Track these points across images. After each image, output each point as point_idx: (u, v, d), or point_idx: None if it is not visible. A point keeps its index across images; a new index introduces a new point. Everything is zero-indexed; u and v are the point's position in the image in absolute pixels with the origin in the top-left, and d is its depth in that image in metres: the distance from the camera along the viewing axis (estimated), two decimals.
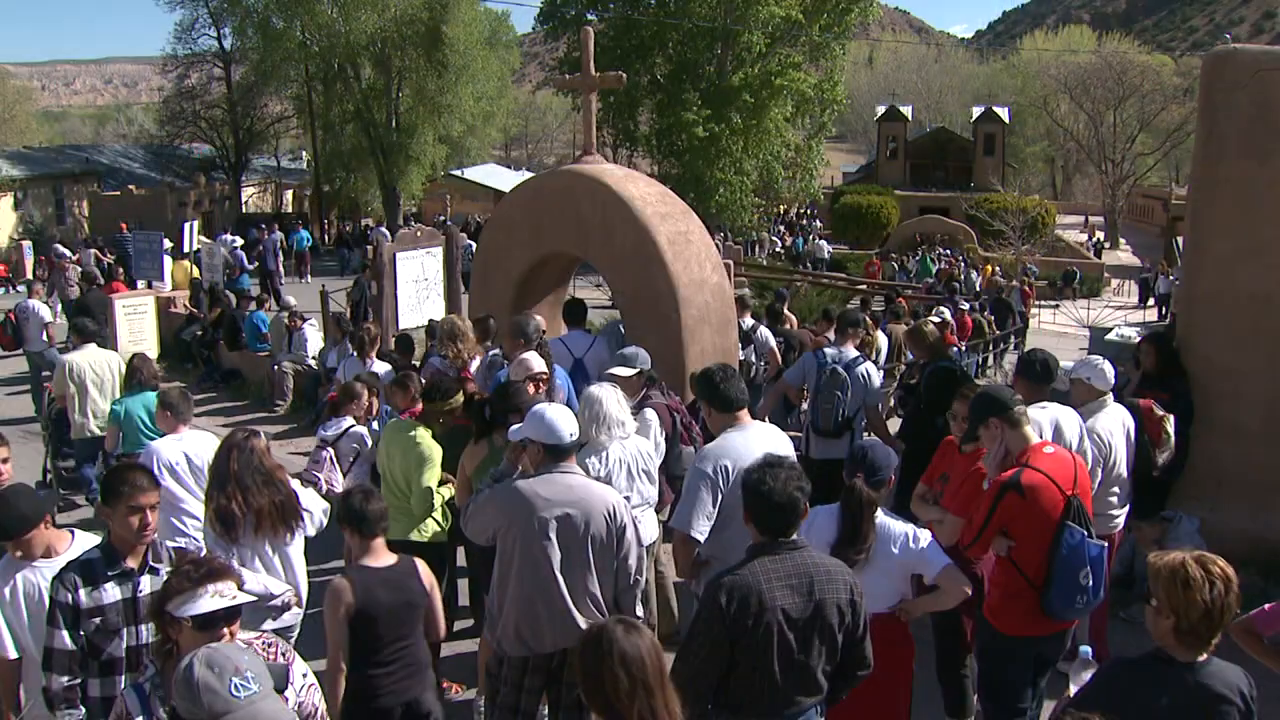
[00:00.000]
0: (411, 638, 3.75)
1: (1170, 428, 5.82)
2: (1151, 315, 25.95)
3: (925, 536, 3.68)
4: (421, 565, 3.89)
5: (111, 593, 3.27)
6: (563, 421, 3.80)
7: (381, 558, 3.75)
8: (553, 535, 3.70)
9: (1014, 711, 4.05)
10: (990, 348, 15.85)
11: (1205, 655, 2.65)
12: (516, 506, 3.73)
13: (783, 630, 2.95)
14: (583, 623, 3.76)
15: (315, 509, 4.50)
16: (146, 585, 3.33)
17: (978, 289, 22.50)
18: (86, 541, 3.63)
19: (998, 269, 26.51)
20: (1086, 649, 3.31)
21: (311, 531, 4.46)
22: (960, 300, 16.52)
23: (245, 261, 19.70)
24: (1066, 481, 3.82)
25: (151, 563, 3.36)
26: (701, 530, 3.96)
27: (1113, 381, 5.23)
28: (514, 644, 3.82)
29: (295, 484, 4.45)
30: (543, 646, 3.81)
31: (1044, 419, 4.52)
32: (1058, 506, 3.76)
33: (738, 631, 2.92)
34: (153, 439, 5.50)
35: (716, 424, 4.27)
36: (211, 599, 2.64)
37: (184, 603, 2.64)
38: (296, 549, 4.34)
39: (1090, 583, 3.72)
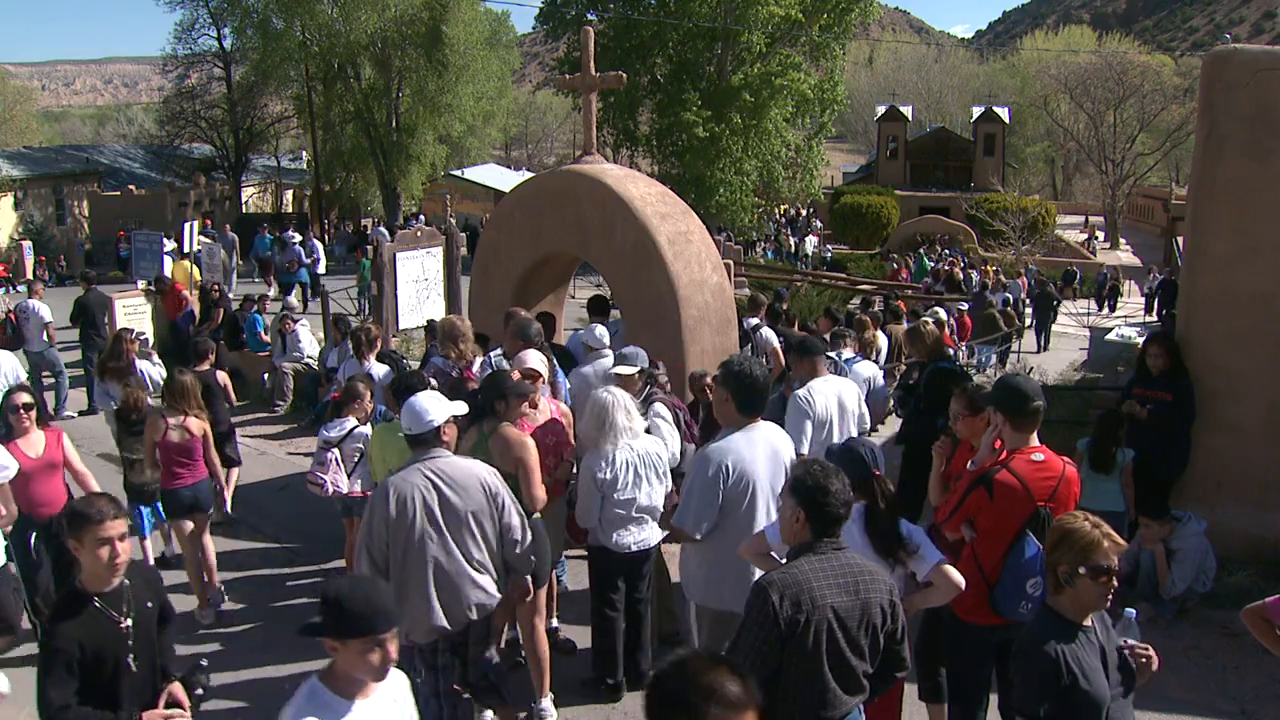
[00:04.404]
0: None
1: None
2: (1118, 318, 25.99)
3: (917, 532, 3.66)
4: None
5: None
6: (432, 408, 3.92)
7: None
8: (438, 517, 3.84)
9: (976, 698, 4.05)
10: (1017, 337, 16.55)
11: None
12: (396, 502, 3.82)
13: (832, 629, 2.94)
14: (480, 582, 3.96)
15: (153, 372, 7.92)
16: None
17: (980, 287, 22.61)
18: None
19: (999, 269, 26.50)
20: (1131, 611, 3.23)
21: (150, 386, 7.72)
22: (962, 301, 16.58)
23: (303, 256, 19.76)
24: (1043, 492, 3.78)
25: None
26: (703, 530, 4.01)
27: (605, 341, 6.42)
28: (425, 631, 3.94)
29: (144, 363, 8.10)
30: (456, 623, 3.95)
31: (829, 391, 5.33)
32: (1024, 513, 3.76)
33: (790, 630, 2.91)
34: None
35: (730, 418, 4.15)
36: None
37: None
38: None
39: (1038, 593, 3.69)
